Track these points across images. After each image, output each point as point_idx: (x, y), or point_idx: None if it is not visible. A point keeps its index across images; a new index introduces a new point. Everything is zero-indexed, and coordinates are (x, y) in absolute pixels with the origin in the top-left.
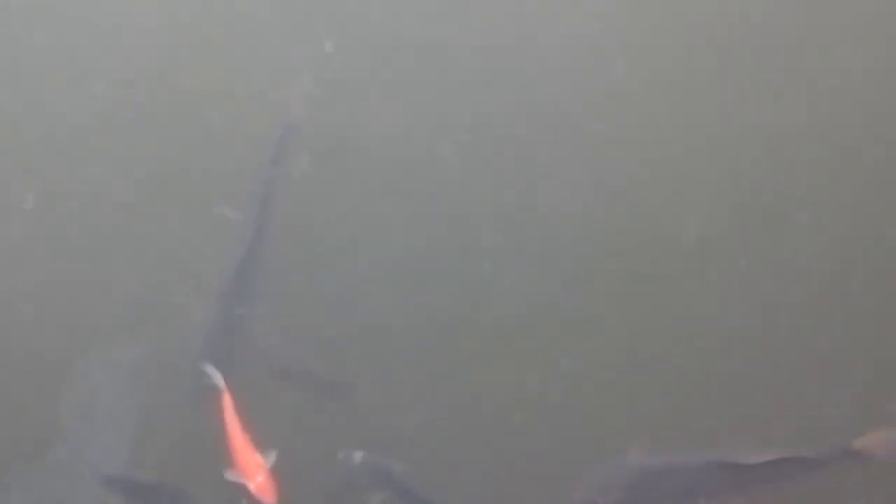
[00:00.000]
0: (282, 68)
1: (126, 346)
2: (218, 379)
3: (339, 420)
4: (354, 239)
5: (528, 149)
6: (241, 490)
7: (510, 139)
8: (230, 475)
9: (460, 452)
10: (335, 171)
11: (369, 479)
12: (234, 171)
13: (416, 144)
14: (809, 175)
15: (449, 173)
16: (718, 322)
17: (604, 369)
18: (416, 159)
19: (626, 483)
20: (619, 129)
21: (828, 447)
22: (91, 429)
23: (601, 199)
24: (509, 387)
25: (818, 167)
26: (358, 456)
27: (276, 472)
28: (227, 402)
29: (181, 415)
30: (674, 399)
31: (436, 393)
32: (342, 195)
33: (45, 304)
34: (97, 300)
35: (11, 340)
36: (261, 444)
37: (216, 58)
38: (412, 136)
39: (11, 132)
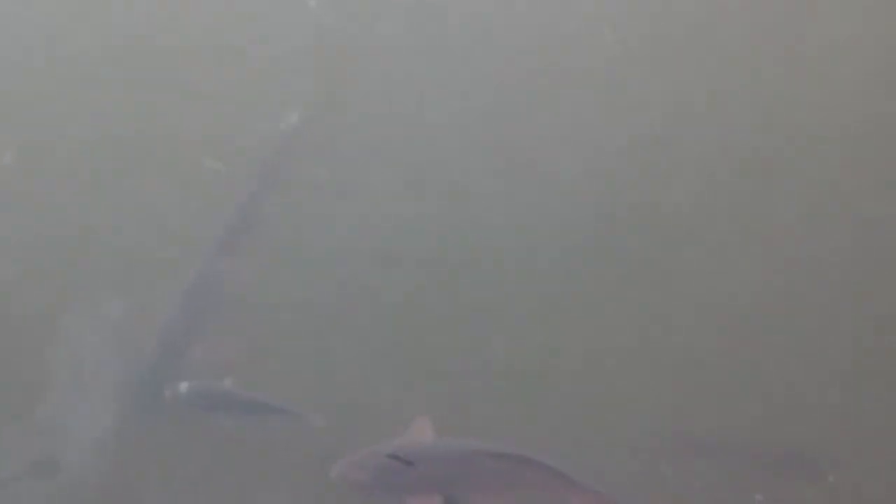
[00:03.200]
0: (267, 24)
1: (111, 301)
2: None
3: None
4: (340, 198)
5: (517, 116)
6: None
7: (498, 106)
8: None
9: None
10: (323, 130)
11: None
12: (219, 126)
13: (406, 110)
14: (801, 143)
15: (438, 139)
16: (703, 295)
17: (591, 340)
18: (405, 124)
19: (386, 465)
20: (609, 97)
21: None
22: (77, 384)
23: (592, 167)
24: (489, 357)
25: (810, 135)
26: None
27: None
28: None
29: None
30: (655, 370)
31: (411, 363)
32: (331, 153)
33: (27, 261)
34: (80, 256)
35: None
36: None
37: (199, 13)
38: (402, 100)
39: None
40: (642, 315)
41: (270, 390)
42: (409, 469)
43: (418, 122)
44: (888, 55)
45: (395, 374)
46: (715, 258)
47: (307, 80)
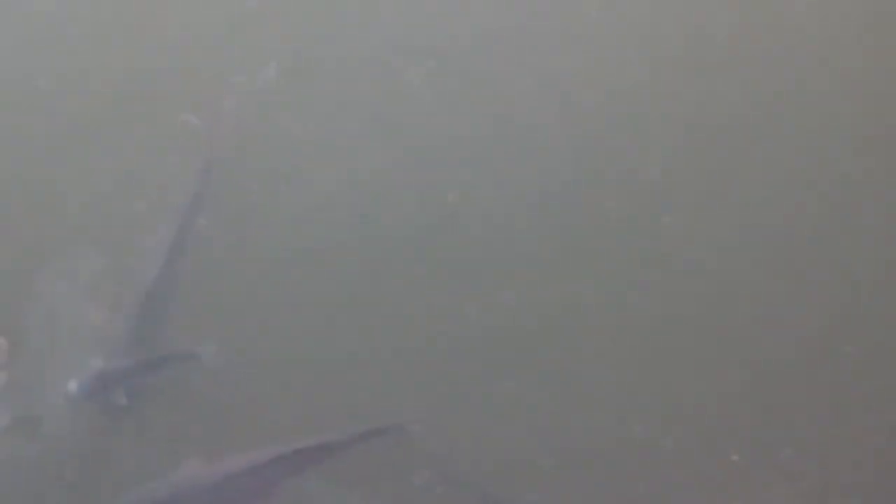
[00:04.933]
0: None
1: (85, 256)
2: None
3: None
4: (316, 157)
5: (496, 79)
6: None
7: (479, 68)
8: None
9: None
10: (301, 87)
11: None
12: (194, 78)
13: (384, 69)
14: (778, 108)
15: (416, 100)
16: (682, 262)
17: (566, 302)
18: (382, 83)
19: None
20: (588, 60)
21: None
22: (50, 341)
23: (571, 125)
24: (465, 323)
25: (790, 97)
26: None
27: None
28: None
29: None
30: (629, 333)
31: (384, 325)
32: (306, 111)
33: (5, 222)
34: (54, 210)
35: None
36: None
37: None
38: (380, 60)
39: None
40: (617, 278)
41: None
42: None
43: (395, 78)
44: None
45: (366, 334)
46: (692, 221)
47: (283, 32)
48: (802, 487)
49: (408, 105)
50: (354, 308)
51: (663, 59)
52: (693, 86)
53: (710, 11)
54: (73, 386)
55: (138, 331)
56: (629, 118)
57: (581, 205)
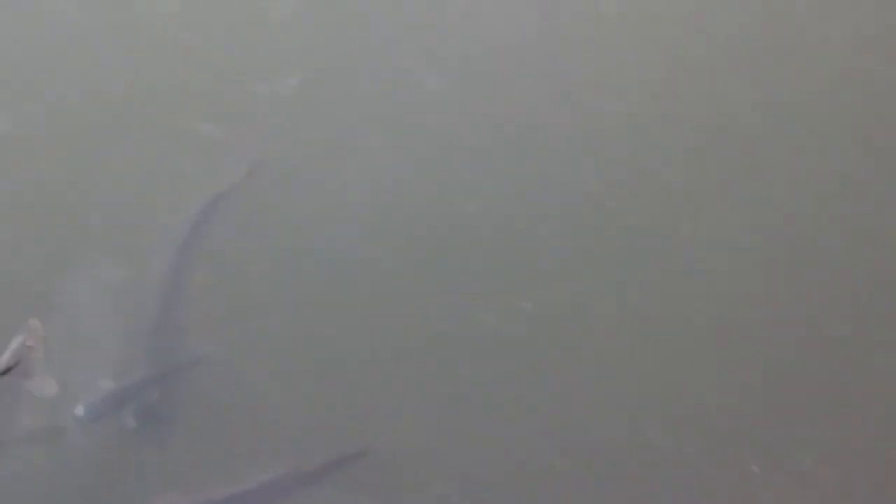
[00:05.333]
0: None
1: (107, 266)
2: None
3: None
4: (336, 163)
5: (514, 87)
6: None
7: (495, 75)
8: None
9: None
10: (323, 94)
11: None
12: (215, 89)
13: (403, 75)
14: (798, 110)
15: (435, 108)
16: (701, 267)
17: (582, 308)
18: (402, 91)
19: None
20: (605, 65)
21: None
22: (74, 349)
23: (586, 138)
24: (477, 327)
25: (808, 103)
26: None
27: None
28: None
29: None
30: (648, 338)
31: (402, 329)
32: (327, 119)
33: (23, 227)
34: (76, 221)
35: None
36: None
37: None
38: (400, 68)
39: None
40: (635, 283)
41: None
42: None
43: (414, 86)
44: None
45: (380, 338)
46: (712, 226)
47: (305, 42)
48: (823, 498)
49: (427, 113)
50: (369, 313)
51: (682, 64)
52: (712, 90)
53: (727, 14)
54: (80, 410)
55: (156, 339)
56: (648, 124)
57: (599, 211)
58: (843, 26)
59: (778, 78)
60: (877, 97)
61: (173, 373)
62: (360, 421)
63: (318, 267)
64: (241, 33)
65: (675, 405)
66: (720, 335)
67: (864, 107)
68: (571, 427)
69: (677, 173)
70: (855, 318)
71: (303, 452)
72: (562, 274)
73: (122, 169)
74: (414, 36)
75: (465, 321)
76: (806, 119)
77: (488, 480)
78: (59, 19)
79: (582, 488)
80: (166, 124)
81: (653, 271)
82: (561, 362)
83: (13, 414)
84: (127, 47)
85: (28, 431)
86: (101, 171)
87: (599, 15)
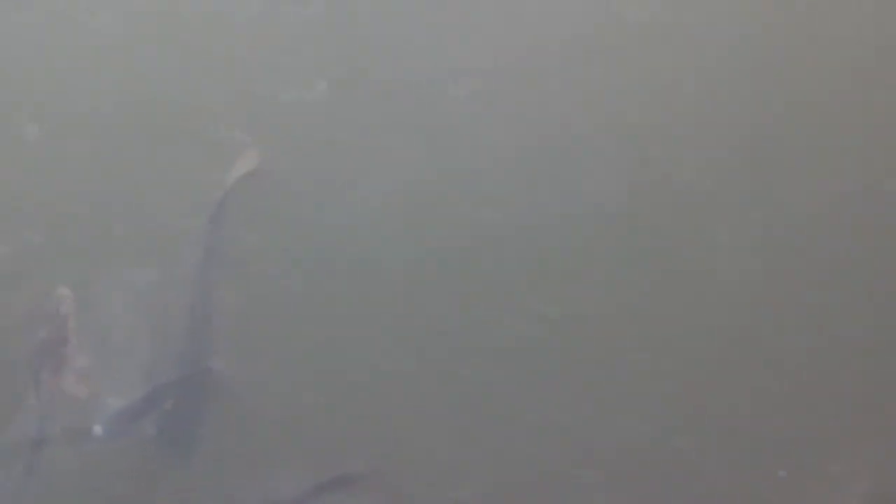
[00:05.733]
0: None
1: (134, 270)
2: None
3: None
4: (361, 169)
5: (539, 95)
6: None
7: (520, 82)
8: None
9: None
10: (349, 100)
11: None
12: (243, 96)
13: (429, 82)
14: (819, 117)
15: (461, 116)
16: (729, 275)
17: (601, 314)
18: (429, 99)
19: None
20: (629, 71)
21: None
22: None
23: (609, 144)
24: (500, 332)
25: (829, 108)
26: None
27: None
28: None
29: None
30: (681, 353)
31: (426, 339)
32: (354, 126)
33: (53, 232)
34: (105, 226)
35: (21, 267)
36: None
37: None
38: (427, 76)
39: (11, 66)
40: (662, 291)
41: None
42: None
43: (441, 94)
44: None
45: (402, 343)
46: (741, 235)
47: (331, 48)
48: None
49: (453, 119)
50: (392, 318)
51: (704, 70)
52: (733, 95)
53: (749, 20)
54: (97, 430)
55: (183, 343)
56: (671, 130)
57: (622, 216)
58: (868, 29)
59: (800, 82)
60: None
61: (187, 382)
62: (381, 426)
63: (342, 272)
64: (267, 40)
65: (701, 410)
66: (745, 339)
67: (886, 109)
68: (594, 432)
69: (700, 179)
70: (883, 323)
71: (323, 459)
72: (585, 279)
73: (151, 175)
74: (440, 42)
75: (488, 326)
76: (827, 123)
77: (509, 486)
78: (88, 28)
79: (605, 495)
80: (193, 131)
81: (677, 276)
82: (583, 368)
83: (40, 417)
84: (155, 56)
85: (53, 434)
86: (129, 177)
87: (623, 21)
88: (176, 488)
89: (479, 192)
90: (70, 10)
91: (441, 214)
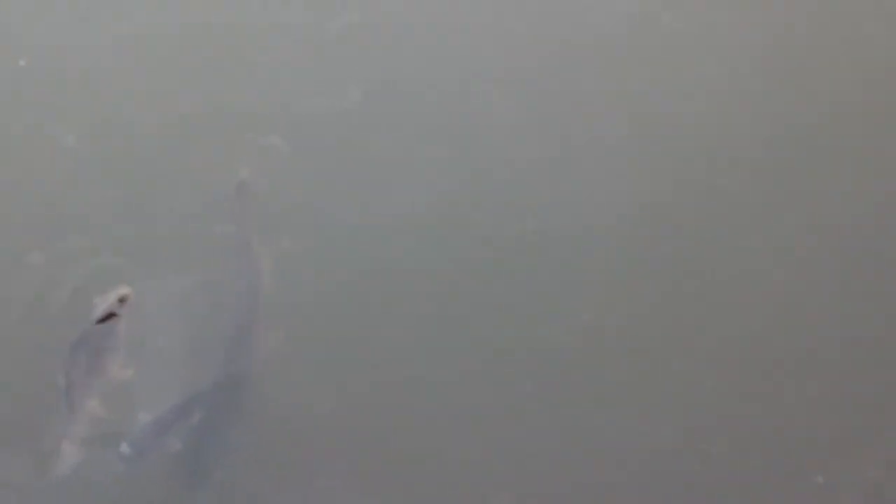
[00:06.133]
0: (321, 3)
1: (172, 277)
2: None
3: None
4: (396, 176)
5: (573, 99)
6: None
7: (554, 88)
8: None
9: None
10: (385, 108)
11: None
12: (280, 103)
13: (464, 89)
14: (867, 119)
15: (495, 119)
16: (767, 281)
17: (644, 325)
18: (463, 105)
19: None
20: (663, 77)
21: None
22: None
23: (645, 150)
24: (534, 337)
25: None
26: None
27: None
28: None
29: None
30: (717, 359)
31: (458, 346)
32: (388, 133)
33: (92, 236)
34: (143, 232)
35: (58, 274)
36: None
37: None
38: (460, 82)
39: (49, 73)
40: (698, 298)
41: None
42: None
43: (475, 100)
44: None
45: (437, 352)
46: (776, 239)
47: (366, 55)
48: None
49: (488, 126)
50: (426, 327)
51: (740, 74)
52: (770, 99)
53: (785, 22)
54: (124, 448)
55: (219, 354)
56: (707, 135)
57: (659, 222)
58: None
59: (838, 86)
60: None
61: (219, 392)
62: (413, 433)
63: (374, 279)
64: (301, 48)
65: (733, 415)
66: (782, 345)
67: None
68: (629, 440)
69: (737, 184)
70: None
71: (354, 467)
72: (615, 284)
73: (187, 181)
74: (475, 49)
75: (519, 332)
76: (860, 127)
77: (545, 493)
78: (124, 37)
79: (636, 500)
80: (229, 137)
81: (712, 282)
82: (614, 373)
83: (69, 427)
84: (192, 63)
85: (84, 443)
86: (166, 184)
87: (657, 26)
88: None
89: (510, 198)
90: (107, 19)
91: (473, 221)
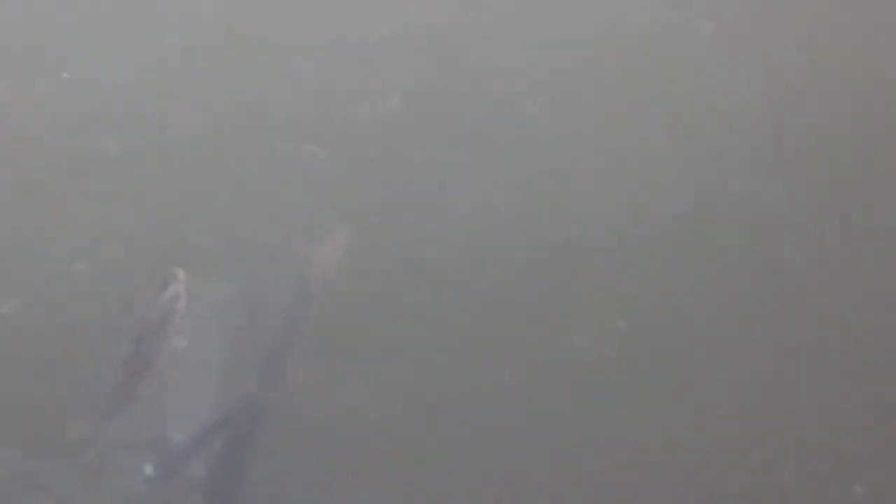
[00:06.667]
0: (360, 12)
1: (216, 285)
2: None
3: None
4: (434, 185)
5: (611, 109)
6: None
7: (592, 98)
8: None
9: None
10: (424, 117)
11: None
12: (318, 112)
13: (503, 98)
14: None
15: (534, 132)
16: (801, 290)
17: (682, 334)
18: (502, 115)
19: None
20: (702, 87)
21: None
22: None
23: (685, 164)
24: (575, 345)
25: None
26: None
27: None
28: None
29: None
30: (753, 368)
31: (500, 355)
32: (427, 142)
33: (134, 247)
34: (183, 243)
35: (100, 284)
36: None
37: (296, 1)
38: (499, 89)
39: (91, 85)
40: (735, 308)
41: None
42: None
43: (514, 109)
44: None
45: (475, 360)
46: (814, 252)
47: (402, 67)
48: None
49: (526, 136)
50: (465, 336)
51: (779, 84)
52: (811, 110)
53: (826, 31)
54: (149, 470)
55: (260, 377)
56: (747, 145)
57: (697, 233)
58: None
59: (878, 96)
60: None
61: (240, 417)
62: (453, 443)
63: (413, 289)
64: (342, 56)
65: (775, 426)
66: (820, 356)
67: None
68: (664, 448)
69: (777, 194)
70: None
71: (392, 482)
72: (655, 293)
73: (228, 190)
74: (513, 59)
75: (559, 341)
76: None
77: (579, 501)
78: (167, 47)
79: None
80: (269, 146)
81: (752, 293)
82: (653, 382)
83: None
84: (232, 73)
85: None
86: (208, 193)
87: (696, 36)
88: None
89: (548, 206)
90: (148, 31)
91: (511, 229)
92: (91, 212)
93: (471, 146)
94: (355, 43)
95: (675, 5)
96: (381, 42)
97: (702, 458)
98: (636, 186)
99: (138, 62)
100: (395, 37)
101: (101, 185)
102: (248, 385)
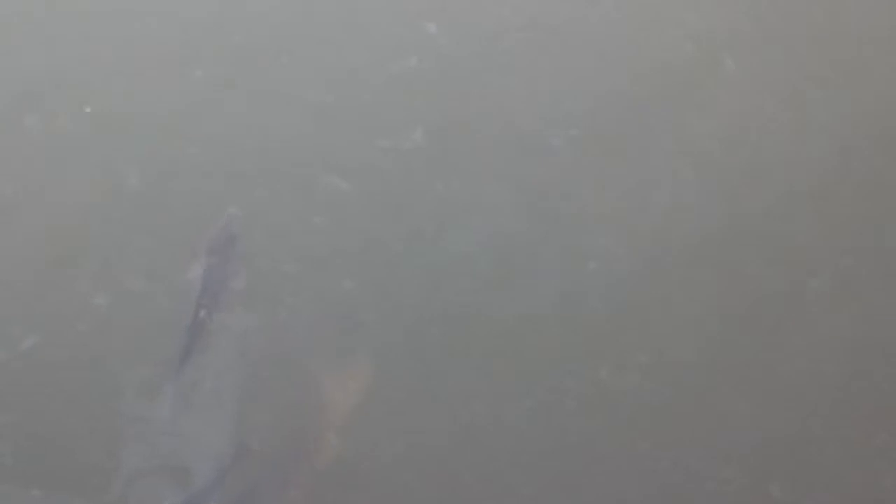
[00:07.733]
0: (385, 47)
1: (236, 318)
2: None
3: None
4: (457, 218)
5: (635, 143)
6: None
7: (616, 133)
8: None
9: None
10: (447, 149)
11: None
12: (340, 143)
13: (526, 132)
14: None
15: (558, 166)
16: (827, 322)
17: (703, 367)
18: (526, 148)
19: None
20: (726, 127)
21: None
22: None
23: (707, 197)
24: (596, 381)
25: None
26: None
27: None
28: None
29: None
30: (776, 402)
31: (519, 388)
32: (450, 174)
33: (155, 277)
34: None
35: (121, 316)
36: None
37: (317, 34)
38: (524, 125)
39: (113, 119)
40: (758, 340)
41: None
42: None
43: (538, 143)
44: None
45: (496, 393)
46: (841, 286)
47: (425, 99)
48: None
49: (550, 170)
50: (486, 367)
51: (806, 112)
52: (837, 143)
53: (855, 59)
54: None
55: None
56: (774, 178)
57: (720, 269)
58: None
59: None
60: None
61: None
62: (473, 476)
63: (434, 321)
64: (365, 88)
65: (797, 459)
66: (845, 390)
67: None
68: (686, 481)
69: (801, 227)
70: None
71: None
72: (680, 328)
73: (250, 220)
74: (537, 92)
75: (580, 375)
76: None
77: None
78: (189, 79)
79: None
80: (292, 175)
81: (775, 327)
82: (675, 414)
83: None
84: (254, 105)
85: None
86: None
87: (720, 67)
88: None
89: (571, 240)
90: (171, 65)
91: (535, 262)
92: (110, 244)
93: (494, 179)
94: (378, 75)
95: (698, 39)
96: (404, 74)
97: (723, 491)
98: (658, 220)
99: (162, 95)
100: (419, 69)
101: (121, 217)
102: (265, 419)
